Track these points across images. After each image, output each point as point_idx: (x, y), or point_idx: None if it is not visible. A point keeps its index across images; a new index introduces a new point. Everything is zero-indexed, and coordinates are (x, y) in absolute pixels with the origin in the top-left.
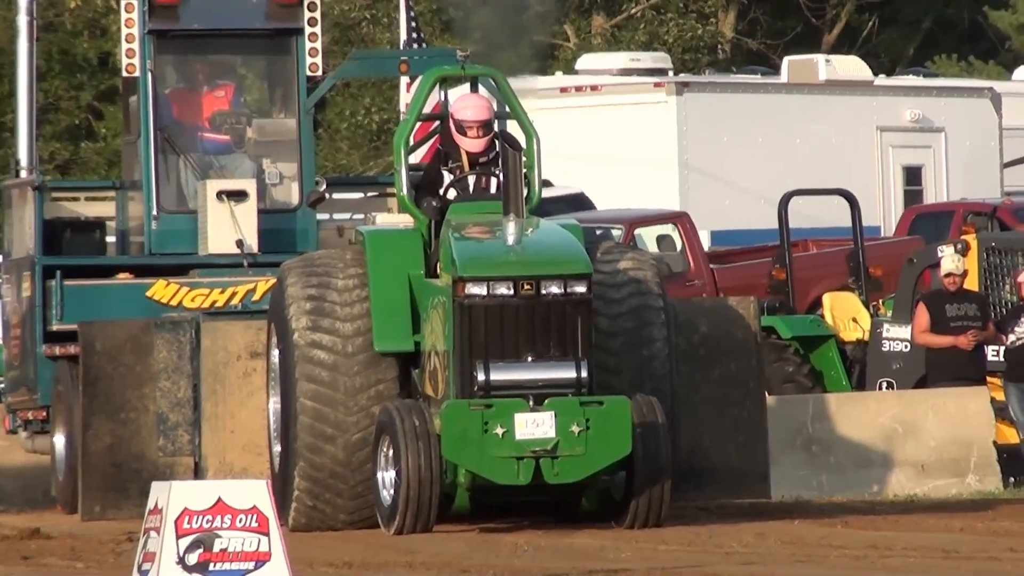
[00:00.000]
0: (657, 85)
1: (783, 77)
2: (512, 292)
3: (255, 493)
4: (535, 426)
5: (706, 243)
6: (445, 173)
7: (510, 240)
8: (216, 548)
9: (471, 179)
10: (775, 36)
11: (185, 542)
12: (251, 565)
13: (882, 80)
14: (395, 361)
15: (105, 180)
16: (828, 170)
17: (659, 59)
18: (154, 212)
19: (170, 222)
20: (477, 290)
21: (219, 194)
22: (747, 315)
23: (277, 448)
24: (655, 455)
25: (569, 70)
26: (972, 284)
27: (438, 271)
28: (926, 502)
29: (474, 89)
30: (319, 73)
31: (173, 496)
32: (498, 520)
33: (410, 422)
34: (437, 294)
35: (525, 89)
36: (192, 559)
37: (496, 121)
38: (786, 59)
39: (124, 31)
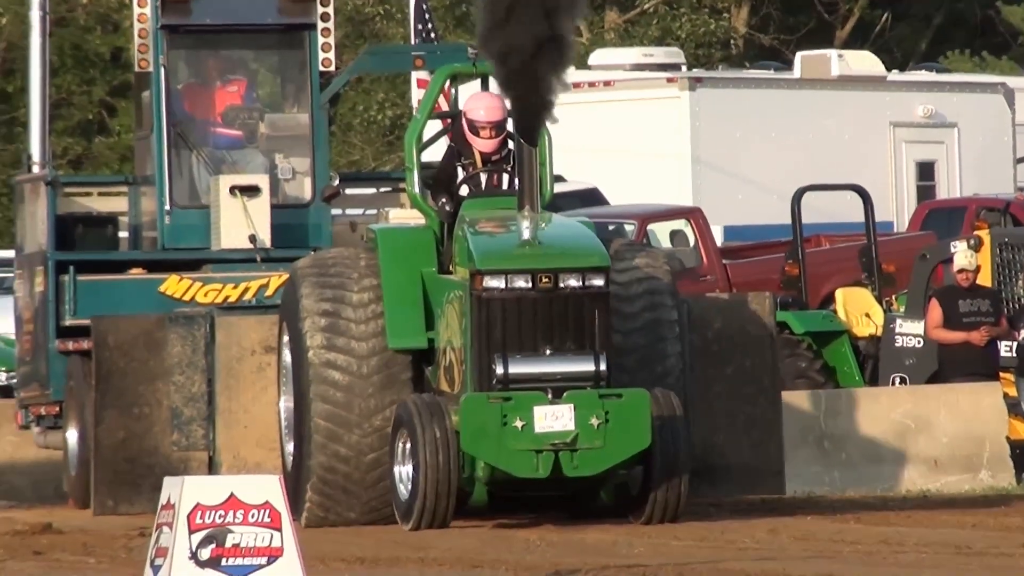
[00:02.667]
0: (670, 80)
1: (796, 72)
2: (530, 285)
3: (267, 488)
4: (554, 419)
5: (719, 238)
6: (459, 170)
7: (526, 234)
8: (228, 543)
9: (483, 176)
10: (788, 31)
11: (197, 537)
12: (263, 560)
13: (895, 75)
14: (409, 381)
15: (117, 175)
16: (841, 165)
17: (672, 54)
18: (167, 207)
19: (183, 217)
20: (495, 283)
21: (232, 189)
22: (762, 311)
23: (289, 447)
24: (673, 449)
25: (582, 65)
26: (985, 280)
27: (451, 267)
28: (938, 498)
29: (485, 86)
30: (332, 68)
31: (185, 491)
32: (511, 516)
33: (427, 416)
34: (453, 289)
35: None
36: (204, 554)
37: (508, 120)
38: (799, 54)
39: (137, 26)
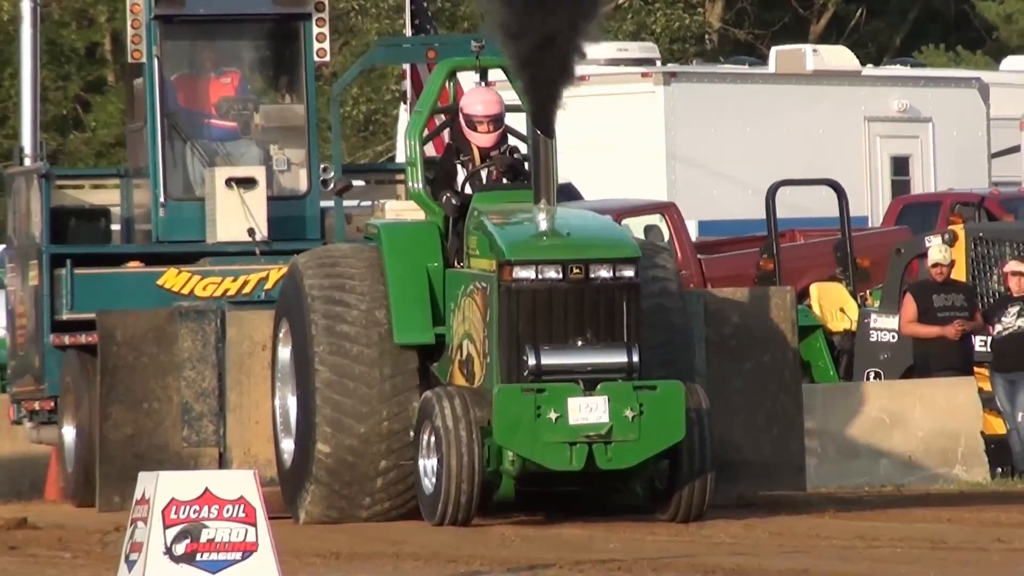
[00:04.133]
0: (645, 75)
1: (771, 67)
2: (561, 276)
3: (242, 483)
4: (588, 411)
5: (693, 233)
6: (459, 167)
7: (553, 225)
8: (203, 538)
9: (483, 172)
10: (763, 26)
11: (172, 532)
12: (238, 555)
13: (870, 70)
14: (416, 377)
15: (109, 168)
16: (816, 160)
17: (647, 49)
18: (161, 200)
19: (178, 210)
20: (525, 274)
21: (228, 181)
22: (782, 305)
23: (286, 443)
24: (701, 443)
25: None
26: (959, 274)
27: (457, 262)
28: (913, 493)
29: (483, 80)
30: (327, 58)
31: (160, 486)
32: (489, 515)
33: (451, 409)
34: (473, 281)
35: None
36: (179, 549)
37: (505, 114)
38: (774, 49)
39: (129, 17)
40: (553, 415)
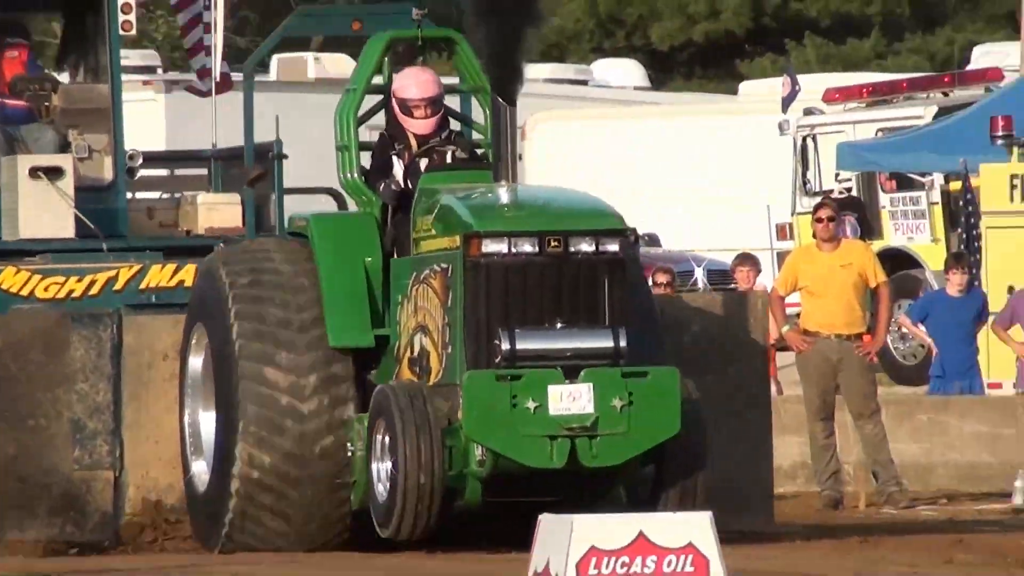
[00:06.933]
0: (146, 83)
1: (272, 75)
2: (537, 249)
3: None
4: (571, 400)
5: None
6: (394, 158)
7: (513, 197)
8: None
9: (422, 163)
10: (266, 35)
11: None
12: None
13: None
14: (352, 384)
15: None
16: (320, 170)
17: (148, 57)
18: None
19: None
20: (496, 247)
21: (33, 171)
22: (752, 312)
23: (198, 465)
24: (692, 440)
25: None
26: None
27: (396, 254)
28: None
29: (422, 55)
30: (132, 32)
31: None
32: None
33: (407, 404)
34: (429, 264)
35: None
36: None
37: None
38: (276, 57)
39: None
40: (531, 405)
